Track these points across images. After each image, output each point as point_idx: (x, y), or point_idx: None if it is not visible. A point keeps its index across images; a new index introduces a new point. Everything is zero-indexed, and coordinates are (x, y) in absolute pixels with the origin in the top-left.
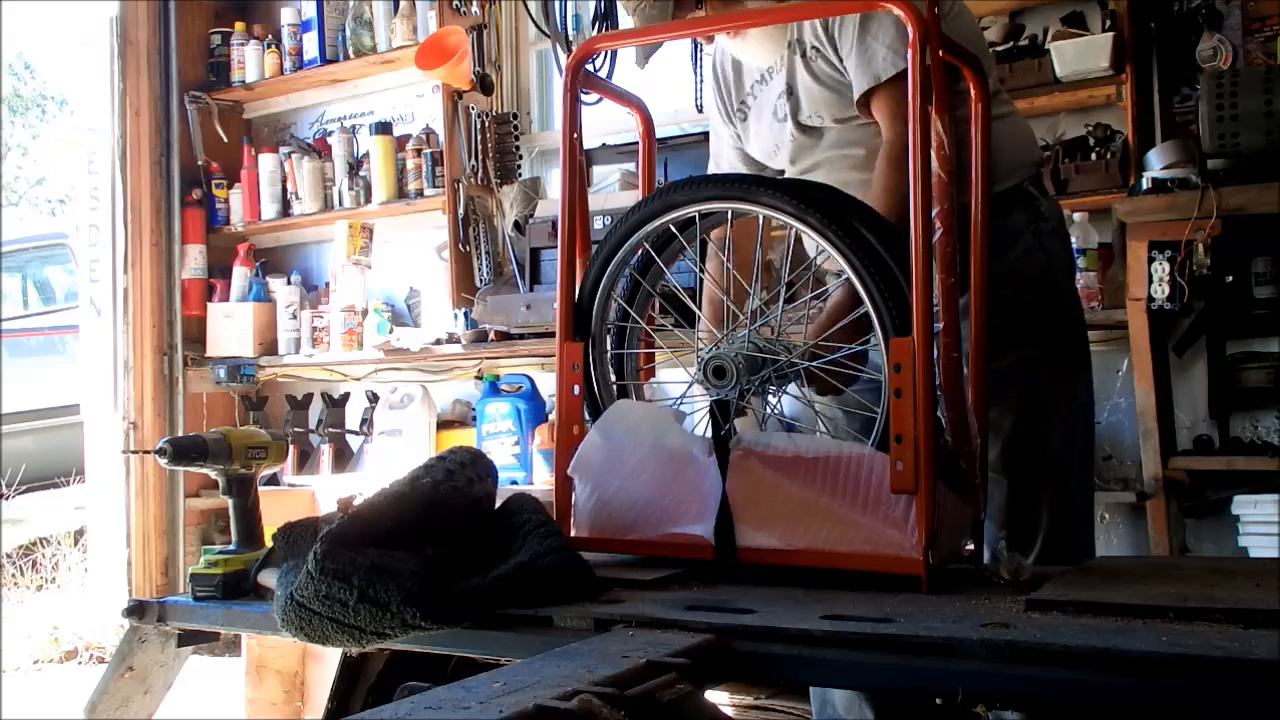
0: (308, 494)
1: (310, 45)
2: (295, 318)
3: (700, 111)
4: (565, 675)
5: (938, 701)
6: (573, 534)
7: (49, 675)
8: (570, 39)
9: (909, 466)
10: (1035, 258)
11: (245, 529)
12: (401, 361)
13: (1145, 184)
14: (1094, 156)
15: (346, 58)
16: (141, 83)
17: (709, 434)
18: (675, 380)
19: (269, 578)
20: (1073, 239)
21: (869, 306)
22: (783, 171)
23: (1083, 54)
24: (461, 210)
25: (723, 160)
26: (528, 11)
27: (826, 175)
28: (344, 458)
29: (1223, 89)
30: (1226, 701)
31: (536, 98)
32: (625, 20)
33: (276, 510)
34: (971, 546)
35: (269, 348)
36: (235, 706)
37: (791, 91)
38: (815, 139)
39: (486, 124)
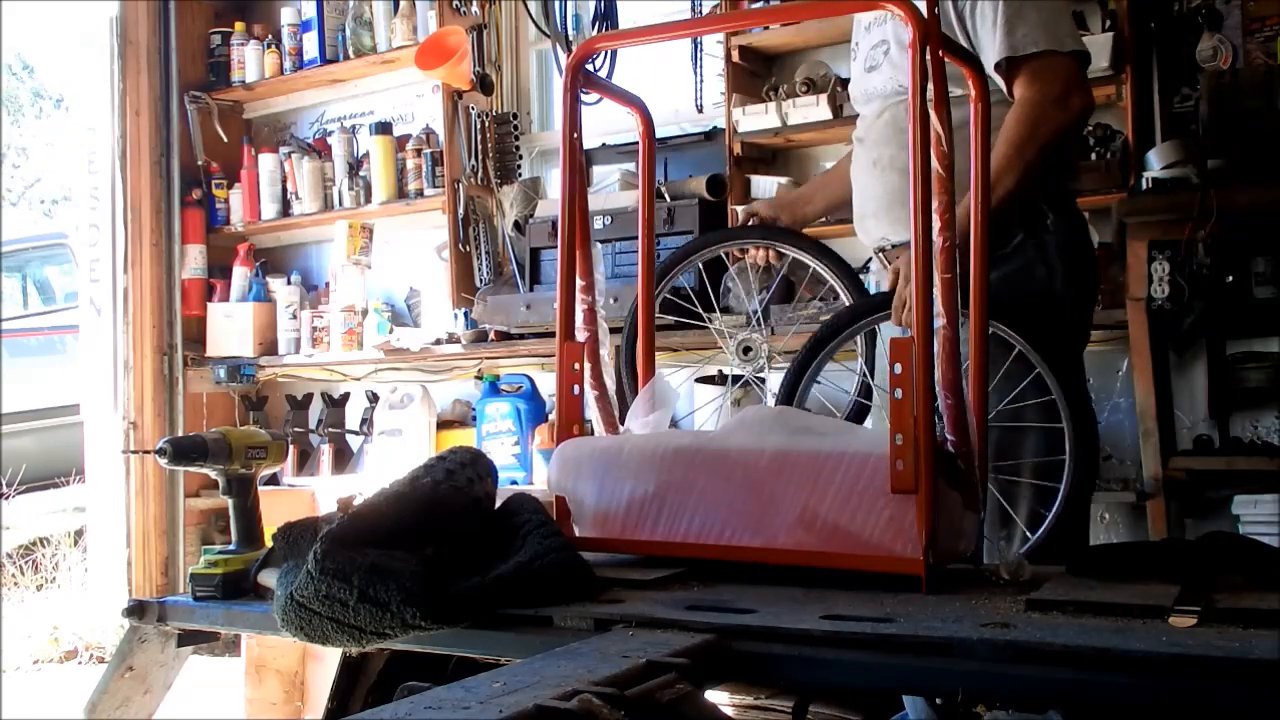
0: (308, 494)
1: (310, 45)
2: (295, 318)
3: (700, 111)
4: (565, 675)
5: (938, 701)
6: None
7: (49, 675)
8: (570, 39)
9: (909, 466)
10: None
11: (245, 529)
12: (401, 361)
13: (1145, 184)
14: (1094, 156)
15: (346, 58)
16: (141, 83)
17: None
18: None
19: (269, 578)
20: None
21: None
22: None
23: None
24: (461, 210)
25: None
26: (528, 11)
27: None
28: (344, 458)
29: (1223, 89)
30: (1226, 701)
31: (536, 98)
32: (625, 20)
33: (276, 510)
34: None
35: (269, 348)
36: (235, 706)
37: (887, 48)
38: (878, 104)
39: (486, 124)
